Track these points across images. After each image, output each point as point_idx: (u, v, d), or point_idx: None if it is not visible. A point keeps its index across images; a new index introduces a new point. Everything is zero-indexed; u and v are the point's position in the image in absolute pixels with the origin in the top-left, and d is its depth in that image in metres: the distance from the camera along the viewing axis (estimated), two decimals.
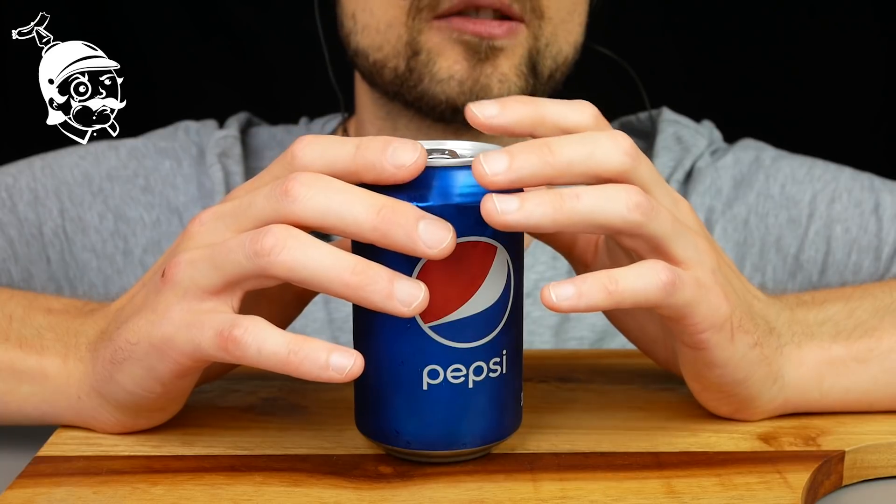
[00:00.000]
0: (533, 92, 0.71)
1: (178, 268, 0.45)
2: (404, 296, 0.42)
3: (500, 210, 0.42)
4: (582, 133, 0.45)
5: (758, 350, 0.49)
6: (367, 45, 0.72)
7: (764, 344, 0.49)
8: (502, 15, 0.69)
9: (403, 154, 0.43)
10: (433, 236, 0.42)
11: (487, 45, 0.68)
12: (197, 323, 0.44)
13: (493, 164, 0.42)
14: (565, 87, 0.76)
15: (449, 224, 0.42)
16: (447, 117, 0.71)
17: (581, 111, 0.46)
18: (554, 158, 0.43)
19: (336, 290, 0.42)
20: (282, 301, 0.51)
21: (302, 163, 0.45)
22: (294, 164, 0.45)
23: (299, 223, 0.43)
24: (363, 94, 0.79)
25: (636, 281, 0.43)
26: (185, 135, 0.84)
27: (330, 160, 0.44)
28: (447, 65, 0.69)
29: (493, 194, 0.42)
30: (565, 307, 0.43)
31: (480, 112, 0.44)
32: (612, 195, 0.43)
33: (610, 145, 0.44)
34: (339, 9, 0.74)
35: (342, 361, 0.42)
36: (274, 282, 0.44)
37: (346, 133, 0.84)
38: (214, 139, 0.81)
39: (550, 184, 0.43)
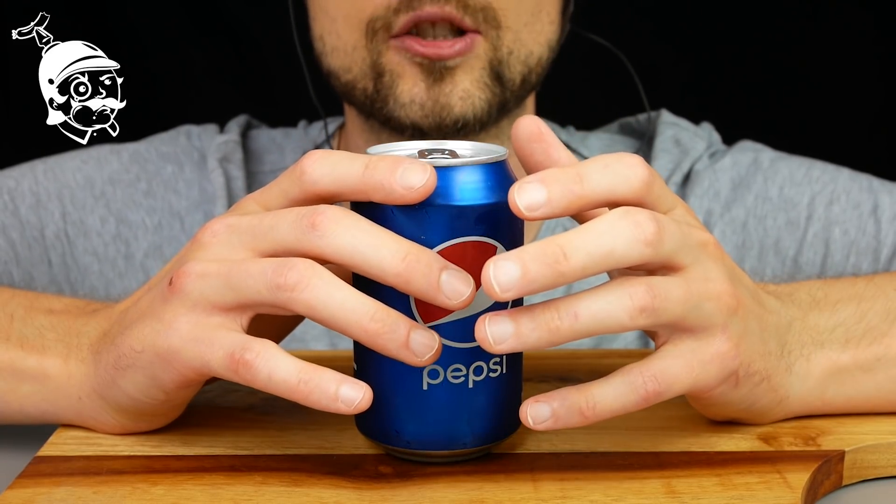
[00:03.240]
0: (503, 101, 0.70)
1: (187, 278, 0.45)
2: (419, 347, 0.42)
3: (493, 341, 0.41)
4: (598, 225, 0.42)
5: (764, 384, 0.49)
6: (337, 66, 0.72)
7: (772, 375, 0.49)
8: (459, 29, 0.68)
9: (413, 176, 0.42)
10: (454, 289, 0.42)
11: (441, 66, 0.68)
12: (206, 339, 0.44)
13: (504, 279, 0.40)
14: (565, 88, 0.76)
15: (470, 277, 0.42)
16: (418, 138, 0.70)
17: (627, 183, 0.43)
18: (569, 267, 0.41)
19: (353, 333, 0.43)
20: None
21: (311, 179, 0.44)
22: (304, 179, 0.44)
23: (322, 258, 0.43)
24: (348, 108, 0.79)
25: (614, 403, 0.44)
26: (187, 139, 0.84)
27: (339, 178, 0.44)
28: (407, 88, 0.69)
29: (487, 319, 0.41)
30: (542, 429, 0.44)
31: (523, 203, 0.41)
32: (613, 303, 0.42)
33: (630, 238, 0.42)
34: (310, 30, 0.75)
35: (351, 394, 0.43)
36: (289, 313, 0.43)
37: (339, 139, 0.85)
38: (216, 144, 0.81)
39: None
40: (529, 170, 0.47)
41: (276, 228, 0.44)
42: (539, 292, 0.41)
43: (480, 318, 0.42)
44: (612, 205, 0.44)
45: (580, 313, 0.41)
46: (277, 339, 0.51)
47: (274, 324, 0.50)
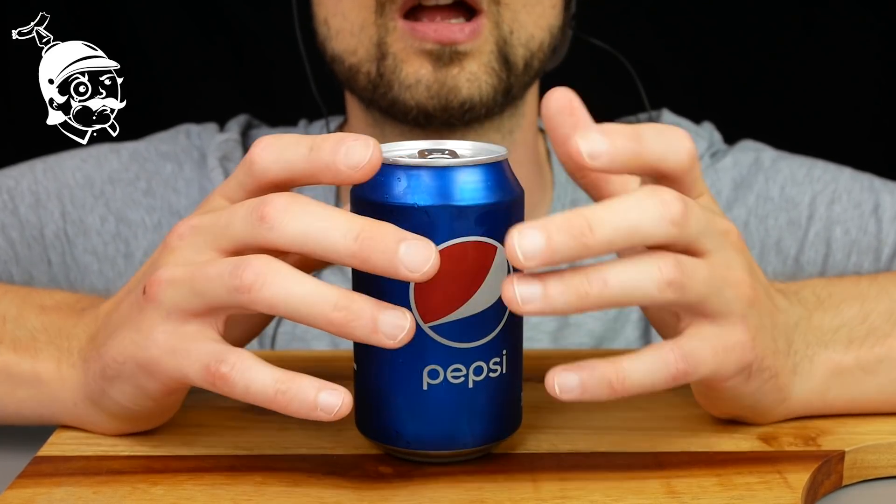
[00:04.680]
0: (508, 86, 0.70)
1: (158, 287, 0.44)
2: (389, 328, 0.41)
3: (520, 300, 0.40)
4: (625, 201, 0.41)
5: (772, 381, 0.49)
6: (341, 49, 0.71)
7: (780, 373, 0.49)
8: (462, 1, 0.67)
9: (355, 154, 0.42)
10: (415, 259, 0.40)
11: (451, 51, 0.67)
12: (183, 351, 0.44)
13: (528, 246, 0.39)
14: (567, 86, 0.76)
15: (431, 243, 0.41)
16: (422, 122, 0.70)
17: (677, 154, 0.44)
18: (594, 240, 0.40)
19: (319, 325, 0.41)
20: None
21: (260, 168, 0.44)
22: (254, 169, 0.44)
23: (277, 249, 0.42)
24: (350, 100, 0.79)
25: (644, 378, 0.43)
26: (187, 138, 0.84)
27: (286, 164, 0.43)
28: (413, 70, 0.68)
29: (514, 278, 0.40)
30: (568, 399, 0.42)
31: (586, 149, 0.41)
32: (642, 276, 0.41)
33: (656, 216, 0.41)
34: (314, 18, 0.74)
35: (331, 401, 0.42)
36: (254, 313, 0.43)
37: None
38: (215, 143, 0.81)
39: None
40: (555, 142, 0.45)
41: (231, 225, 0.43)
42: (561, 263, 0.40)
43: (508, 278, 0.40)
44: (659, 174, 0.44)
45: (609, 280, 0.41)
46: (252, 336, 0.51)
47: (248, 321, 0.50)
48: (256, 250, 0.43)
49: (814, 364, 0.51)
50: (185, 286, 0.43)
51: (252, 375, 0.42)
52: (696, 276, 0.43)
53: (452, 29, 0.67)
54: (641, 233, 0.41)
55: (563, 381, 0.42)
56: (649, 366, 0.43)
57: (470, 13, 0.68)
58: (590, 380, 0.42)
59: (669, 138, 0.44)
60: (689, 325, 0.45)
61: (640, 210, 0.41)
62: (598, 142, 0.41)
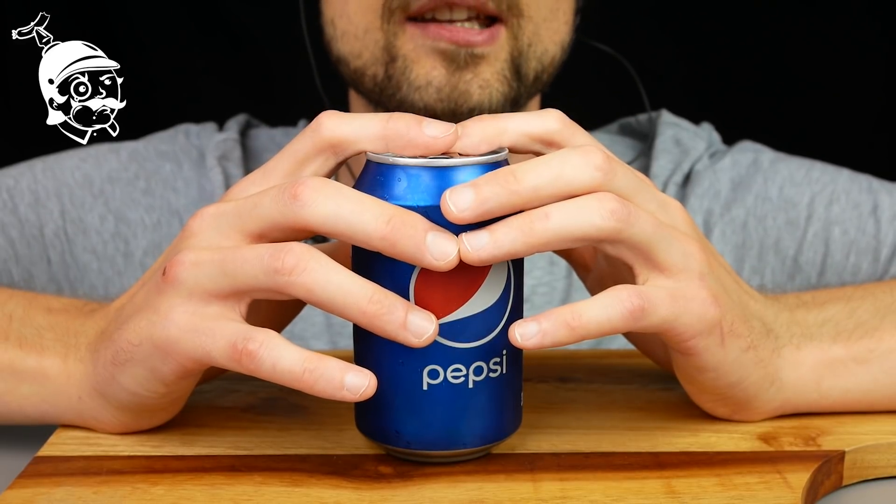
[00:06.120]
0: (516, 97, 0.70)
1: (180, 267, 0.44)
2: (416, 328, 0.43)
3: (471, 249, 0.42)
4: (549, 155, 0.44)
5: (752, 353, 0.49)
6: (347, 52, 0.71)
7: (759, 346, 0.49)
8: (478, 15, 0.67)
9: (435, 128, 0.44)
10: (440, 249, 0.42)
11: (467, 53, 0.67)
12: (206, 330, 0.44)
13: (460, 200, 0.42)
14: (565, 88, 0.76)
15: (455, 237, 0.42)
16: None
17: (544, 118, 0.46)
18: (520, 186, 0.42)
19: (352, 315, 0.43)
20: (282, 302, 0.50)
21: (328, 128, 0.45)
22: (320, 131, 0.45)
23: (307, 228, 0.43)
24: (355, 100, 0.79)
25: (600, 313, 0.44)
26: (186, 138, 0.84)
27: (355, 130, 0.45)
28: (424, 71, 0.68)
29: (463, 234, 0.42)
30: (531, 345, 0.43)
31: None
32: (583, 206, 0.43)
33: (579, 162, 0.43)
34: (321, 16, 0.74)
35: (357, 381, 0.43)
36: (287, 297, 0.43)
37: None
38: (214, 142, 0.81)
39: (522, 210, 0.43)
40: None
41: (260, 205, 0.44)
42: (495, 214, 0.42)
43: (459, 237, 0.42)
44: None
45: (552, 214, 0.42)
46: (278, 330, 0.51)
47: (272, 315, 0.50)
48: (284, 234, 0.44)
49: (801, 352, 0.51)
50: (214, 266, 0.44)
51: (280, 353, 0.43)
52: (639, 215, 0.44)
53: (469, 32, 0.67)
54: (566, 177, 0.43)
55: (523, 330, 0.43)
56: (604, 301, 0.44)
57: (487, 21, 0.68)
58: (547, 323, 0.43)
59: (532, 116, 0.46)
60: (647, 280, 0.46)
61: (561, 159, 0.43)
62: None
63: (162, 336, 0.45)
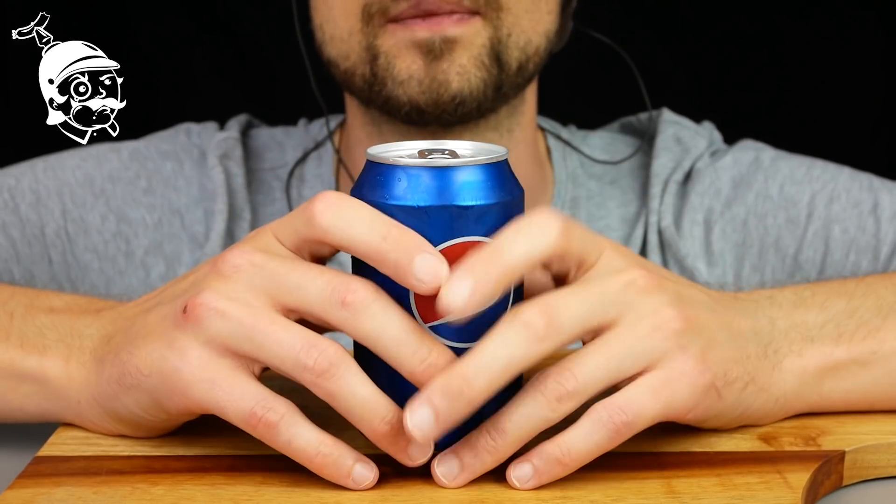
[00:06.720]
0: (499, 83, 0.70)
1: (205, 311, 0.44)
2: (415, 452, 0.44)
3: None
4: (492, 342, 0.43)
5: (751, 387, 0.49)
6: (336, 54, 0.72)
7: (757, 376, 0.49)
8: (457, 11, 0.68)
9: (427, 267, 0.43)
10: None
11: (441, 39, 0.67)
12: (223, 384, 0.44)
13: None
14: (567, 87, 0.76)
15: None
16: (416, 119, 0.70)
17: (544, 244, 0.44)
18: (474, 392, 0.42)
19: (363, 430, 0.44)
20: None
21: (322, 228, 0.44)
22: (314, 224, 0.44)
23: (345, 333, 0.43)
24: (349, 100, 0.79)
25: (587, 442, 0.44)
26: (187, 137, 0.84)
27: (350, 238, 0.44)
28: (405, 66, 0.68)
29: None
30: (528, 487, 0.45)
31: (449, 304, 0.42)
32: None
33: (522, 340, 0.43)
34: (311, 20, 0.75)
35: (363, 473, 0.45)
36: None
37: (340, 136, 0.85)
38: (215, 141, 0.81)
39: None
40: None
41: (304, 289, 0.44)
42: (455, 424, 0.42)
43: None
44: (536, 268, 0.45)
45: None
46: None
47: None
48: (319, 321, 0.44)
49: (804, 358, 0.51)
50: (242, 329, 0.43)
51: (298, 431, 0.44)
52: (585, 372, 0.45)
53: (440, 19, 0.67)
54: (517, 364, 0.43)
55: (519, 474, 0.45)
56: (587, 429, 0.44)
57: (467, 18, 0.68)
58: (540, 464, 0.45)
59: (527, 234, 0.44)
60: (632, 383, 0.45)
61: (506, 344, 0.43)
62: (460, 289, 0.42)
63: (174, 376, 0.45)
